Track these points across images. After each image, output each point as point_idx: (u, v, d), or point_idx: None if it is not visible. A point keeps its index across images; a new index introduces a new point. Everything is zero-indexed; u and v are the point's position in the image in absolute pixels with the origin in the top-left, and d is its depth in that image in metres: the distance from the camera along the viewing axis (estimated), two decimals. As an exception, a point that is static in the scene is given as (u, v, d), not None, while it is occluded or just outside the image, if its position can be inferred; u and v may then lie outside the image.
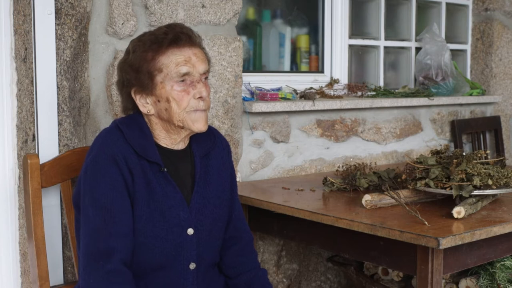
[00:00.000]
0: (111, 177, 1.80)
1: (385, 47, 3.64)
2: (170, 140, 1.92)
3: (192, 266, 1.90)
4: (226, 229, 2.05)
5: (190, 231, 1.88)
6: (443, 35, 3.84)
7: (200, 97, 1.85)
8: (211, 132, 2.05)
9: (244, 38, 3.13)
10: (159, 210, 1.84)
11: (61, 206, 2.26)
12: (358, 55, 3.56)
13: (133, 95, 1.88)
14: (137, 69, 1.84)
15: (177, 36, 1.84)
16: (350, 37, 3.44)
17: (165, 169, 1.87)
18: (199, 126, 1.88)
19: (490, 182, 2.14)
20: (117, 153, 1.81)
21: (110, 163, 1.80)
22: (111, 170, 1.80)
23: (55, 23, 2.24)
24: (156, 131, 1.91)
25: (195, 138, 1.98)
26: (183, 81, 1.84)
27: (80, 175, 1.86)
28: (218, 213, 1.98)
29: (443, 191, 2.17)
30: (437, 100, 3.55)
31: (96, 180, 1.80)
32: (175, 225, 1.86)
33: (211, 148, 2.01)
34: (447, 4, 3.93)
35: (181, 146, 1.95)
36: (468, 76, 4.08)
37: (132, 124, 1.89)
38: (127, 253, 1.79)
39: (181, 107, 1.84)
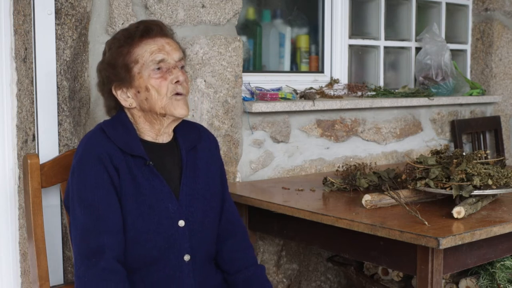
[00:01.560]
0: (97, 176, 1.82)
1: (385, 47, 3.64)
2: (154, 131, 1.95)
3: (187, 258, 1.91)
4: (219, 222, 2.06)
5: (181, 223, 1.90)
6: (443, 35, 3.84)
7: (177, 82, 1.89)
8: (195, 126, 2.09)
9: (244, 38, 3.13)
10: (147, 204, 1.86)
11: (61, 206, 2.26)
12: (358, 55, 3.56)
13: (114, 92, 1.92)
14: (114, 64, 1.89)
15: (148, 27, 1.90)
16: (350, 37, 3.44)
17: (151, 163, 1.89)
18: (181, 111, 1.91)
19: (490, 182, 2.14)
20: (101, 151, 1.84)
21: (95, 162, 1.83)
22: (96, 169, 1.82)
23: (55, 23, 2.24)
24: (140, 124, 1.94)
25: (180, 131, 2.01)
26: (159, 69, 1.88)
27: (69, 178, 1.89)
28: (210, 205, 2.00)
29: (443, 191, 2.17)
30: (437, 100, 3.55)
31: (83, 180, 1.83)
32: (164, 218, 1.87)
33: (197, 141, 2.03)
34: (447, 4, 3.93)
35: (166, 138, 1.98)
36: (468, 76, 4.08)
37: (115, 123, 1.93)
38: (119, 250, 1.81)
39: (161, 93, 1.88)
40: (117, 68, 1.88)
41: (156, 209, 1.87)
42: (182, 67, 1.94)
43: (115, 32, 2.38)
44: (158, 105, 1.88)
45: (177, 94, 1.89)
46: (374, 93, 3.44)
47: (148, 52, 1.87)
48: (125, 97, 1.91)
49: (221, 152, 2.71)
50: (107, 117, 2.41)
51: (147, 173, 1.88)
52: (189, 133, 2.03)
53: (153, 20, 1.96)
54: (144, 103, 1.89)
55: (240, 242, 2.10)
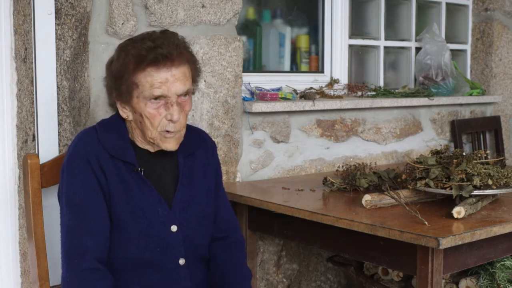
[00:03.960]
0: (84, 176, 1.84)
1: (385, 47, 3.64)
2: (148, 144, 1.94)
3: (182, 261, 1.92)
4: (216, 223, 2.06)
5: (174, 228, 1.90)
6: (443, 35, 3.84)
7: (171, 120, 1.85)
8: (196, 131, 2.08)
9: (244, 38, 3.12)
10: (138, 207, 1.87)
11: (61, 206, 2.26)
12: (358, 55, 3.56)
13: (114, 99, 1.91)
14: (118, 77, 1.85)
15: (156, 58, 1.81)
16: (350, 37, 3.44)
17: (139, 169, 1.90)
18: (169, 147, 1.90)
19: (490, 182, 2.14)
20: (90, 152, 1.85)
21: (83, 163, 1.84)
22: (84, 169, 1.84)
23: (55, 23, 2.24)
24: (135, 134, 1.94)
25: None
26: (156, 99, 1.83)
27: (60, 175, 1.91)
28: (205, 212, 2.00)
29: (443, 191, 2.17)
30: (437, 100, 3.55)
31: (70, 180, 1.85)
32: (156, 222, 1.88)
33: (196, 147, 2.03)
34: (447, 4, 3.93)
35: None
36: (468, 76, 4.08)
37: (110, 126, 1.93)
38: (101, 251, 1.83)
39: (153, 125, 1.86)
40: (120, 82, 1.85)
41: (146, 212, 1.88)
42: (186, 95, 1.88)
43: (115, 33, 2.39)
44: (149, 134, 1.87)
45: (167, 131, 1.87)
46: (374, 93, 3.44)
47: (148, 84, 1.81)
48: (123, 109, 1.90)
49: (221, 152, 2.71)
50: (106, 117, 2.41)
51: (137, 179, 1.89)
52: (189, 138, 2.00)
53: (166, 46, 1.83)
54: (138, 124, 1.89)
55: (237, 247, 2.09)
